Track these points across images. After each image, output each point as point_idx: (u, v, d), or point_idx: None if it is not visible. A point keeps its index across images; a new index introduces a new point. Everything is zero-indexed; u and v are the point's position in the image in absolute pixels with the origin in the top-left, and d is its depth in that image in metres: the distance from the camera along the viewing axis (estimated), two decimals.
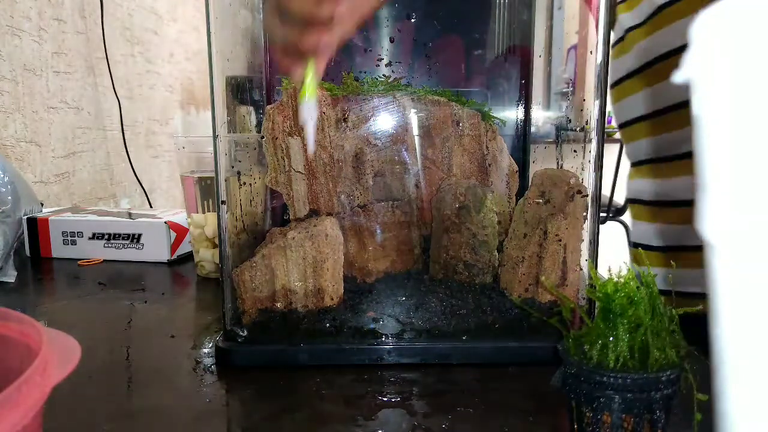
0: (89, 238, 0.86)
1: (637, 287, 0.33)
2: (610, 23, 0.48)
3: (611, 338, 0.32)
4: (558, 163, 0.56)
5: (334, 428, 0.39)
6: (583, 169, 0.51)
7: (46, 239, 0.87)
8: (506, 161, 0.58)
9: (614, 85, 0.78)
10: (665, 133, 0.69)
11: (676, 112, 0.67)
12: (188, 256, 0.86)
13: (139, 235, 0.84)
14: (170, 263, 0.84)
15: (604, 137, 0.50)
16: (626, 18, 0.75)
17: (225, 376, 0.47)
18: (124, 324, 0.59)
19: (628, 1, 0.75)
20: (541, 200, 0.52)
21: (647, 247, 0.74)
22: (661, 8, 0.68)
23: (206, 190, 0.75)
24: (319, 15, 0.42)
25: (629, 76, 0.74)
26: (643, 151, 0.74)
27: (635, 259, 0.79)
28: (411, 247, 0.56)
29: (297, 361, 0.48)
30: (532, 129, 0.63)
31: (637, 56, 0.73)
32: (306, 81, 0.45)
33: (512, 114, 0.63)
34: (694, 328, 0.32)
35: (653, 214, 0.73)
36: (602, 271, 0.42)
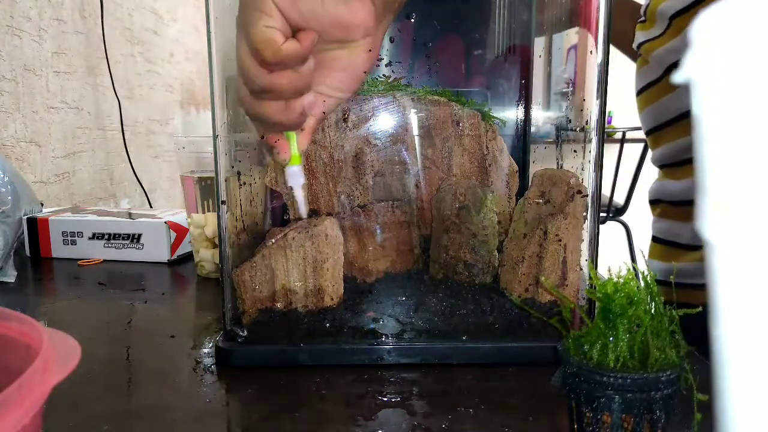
0: (89, 238, 0.86)
1: (637, 287, 0.33)
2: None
3: (611, 338, 0.32)
4: (558, 163, 0.56)
5: (334, 428, 0.39)
6: (583, 169, 0.51)
7: (46, 239, 0.87)
8: (506, 161, 0.58)
9: (639, 93, 0.82)
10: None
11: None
12: (188, 256, 0.86)
13: (139, 235, 0.84)
14: (170, 263, 0.84)
15: (604, 137, 0.50)
16: (640, 35, 0.81)
17: (225, 376, 0.47)
18: (124, 324, 0.59)
19: (645, 23, 0.80)
20: (541, 200, 0.52)
21: (675, 245, 0.78)
22: (673, 18, 0.73)
23: (206, 190, 0.75)
24: (290, 86, 0.40)
25: (652, 84, 0.79)
26: (675, 154, 0.78)
27: (652, 254, 0.83)
28: (411, 247, 0.56)
29: (297, 361, 0.48)
30: (532, 129, 0.63)
31: (657, 65, 0.77)
32: (292, 152, 0.45)
33: (512, 114, 0.63)
34: (694, 328, 0.32)
35: (685, 213, 0.77)
36: (602, 271, 0.42)
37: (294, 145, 0.45)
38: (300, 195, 0.48)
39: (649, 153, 0.85)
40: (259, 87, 0.40)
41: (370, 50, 0.42)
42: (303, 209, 0.49)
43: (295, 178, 0.47)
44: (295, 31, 0.38)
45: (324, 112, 0.45)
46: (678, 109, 0.75)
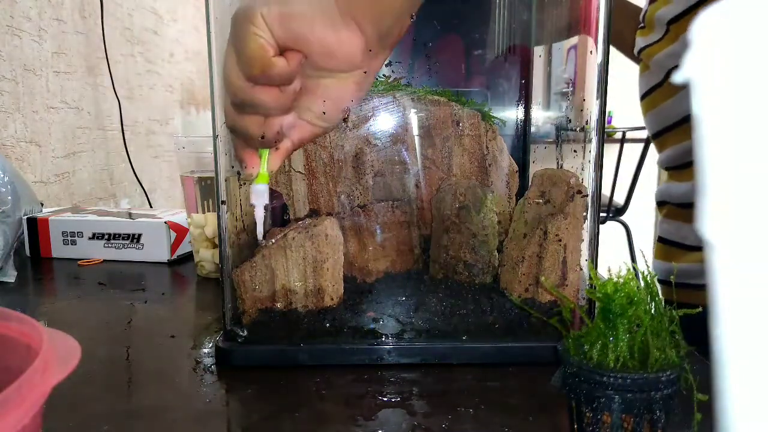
0: (89, 238, 0.86)
1: (637, 287, 0.33)
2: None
3: (611, 338, 0.32)
4: (558, 163, 0.56)
5: (334, 428, 0.39)
6: (583, 169, 0.51)
7: (46, 239, 0.87)
8: (506, 161, 0.58)
9: (643, 97, 0.84)
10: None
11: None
12: (188, 256, 0.86)
13: (139, 235, 0.84)
14: (170, 263, 0.84)
15: (604, 137, 0.50)
16: (641, 41, 0.82)
17: (225, 376, 0.47)
18: (124, 324, 0.59)
19: (645, 29, 0.81)
20: (541, 200, 0.52)
21: (681, 245, 0.79)
22: (670, 23, 0.74)
23: (206, 190, 0.75)
24: (276, 104, 0.40)
25: (655, 88, 0.80)
26: (679, 156, 0.79)
27: (658, 254, 0.84)
28: (411, 247, 0.56)
29: (297, 361, 0.48)
30: (532, 129, 0.63)
31: (658, 70, 0.78)
32: (260, 170, 0.45)
33: (512, 114, 0.63)
34: (694, 328, 0.32)
35: (690, 214, 0.78)
36: (602, 271, 0.42)
37: (264, 164, 0.45)
38: (260, 214, 0.46)
39: (649, 153, 0.86)
40: (241, 99, 0.40)
41: (358, 84, 0.42)
42: (260, 230, 0.47)
43: (259, 196, 0.46)
44: (282, 52, 0.39)
45: (302, 139, 0.45)
46: (680, 112, 0.76)
